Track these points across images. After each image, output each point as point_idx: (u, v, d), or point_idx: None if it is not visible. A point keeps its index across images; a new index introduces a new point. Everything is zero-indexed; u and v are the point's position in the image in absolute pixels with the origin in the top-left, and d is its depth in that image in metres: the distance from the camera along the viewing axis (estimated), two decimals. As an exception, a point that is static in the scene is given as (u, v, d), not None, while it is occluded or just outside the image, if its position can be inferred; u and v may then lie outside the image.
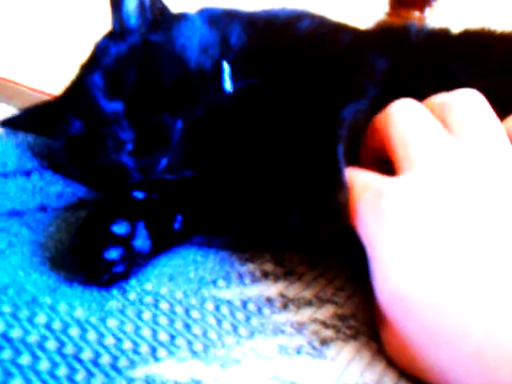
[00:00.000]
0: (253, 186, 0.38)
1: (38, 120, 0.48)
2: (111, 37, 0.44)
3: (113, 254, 0.33)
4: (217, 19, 0.46)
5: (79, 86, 0.44)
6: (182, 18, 0.46)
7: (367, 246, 0.30)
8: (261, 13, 0.49)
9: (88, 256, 0.33)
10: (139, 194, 0.37)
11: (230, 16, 0.47)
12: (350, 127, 0.36)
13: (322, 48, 0.44)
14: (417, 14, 0.68)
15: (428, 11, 0.69)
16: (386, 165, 0.33)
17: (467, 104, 0.32)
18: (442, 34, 0.45)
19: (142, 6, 0.44)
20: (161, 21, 0.45)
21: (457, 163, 0.30)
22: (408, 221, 0.29)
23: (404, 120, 0.33)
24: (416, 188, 0.30)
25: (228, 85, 0.43)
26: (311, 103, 0.38)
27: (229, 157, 0.40)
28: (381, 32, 0.49)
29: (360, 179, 0.32)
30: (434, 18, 0.69)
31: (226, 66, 0.43)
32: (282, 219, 0.36)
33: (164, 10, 0.46)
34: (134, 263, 0.35)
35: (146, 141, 0.40)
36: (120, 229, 0.34)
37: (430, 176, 0.30)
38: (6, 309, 0.31)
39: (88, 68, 0.44)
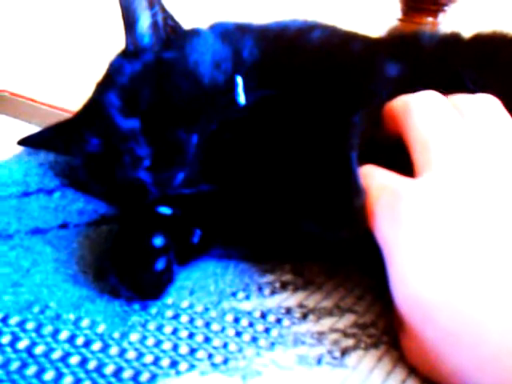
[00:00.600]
0: (270, 197, 0.38)
1: (57, 138, 0.48)
2: (125, 56, 0.45)
3: (160, 264, 0.34)
4: (229, 34, 0.47)
5: (95, 104, 0.45)
6: (195, 34, 0.47)
7: (384, 249, 0.30)
8: (272, 25, 0.49)
9: (137, 269, 0.34)
10: (166, 210, 0.38)
11: (242, 30, 0.48)
12: (363, 132, 0.36)
13: (333, 57, 0.44)
14: (430, 19, 0.68)
15: (441, 16, 0.68)
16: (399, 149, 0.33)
17: (486, 108, 0.32)
18: (454, 39, 0.45)
19: (155, 24, 0.45)
20: (174, 38, 0.46)
21: (478, 167, 0.30)
22: (426, 224, 0.29)
23: (424, 117, 0.32)
24: (435, 191, 0.29)
25: (242, 98, 0.43)
26: (324, 112, 0.38)
27: (244, 169, 0.40)
28: (392, 39, 0.49)
29: (376, 180, 0.32)
30: (447, 24, 0.69)
31: (239, 79, 0.44)
32: (300, 228, 0.36)
33: (176, 27, 0.47)
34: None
35: (163, 156, 0.41)
36: (159, 242, 0.35)
37: (449, 179, 0.30)
38: (31, 326, 0.32)
39: (103, 87, 0.45)
